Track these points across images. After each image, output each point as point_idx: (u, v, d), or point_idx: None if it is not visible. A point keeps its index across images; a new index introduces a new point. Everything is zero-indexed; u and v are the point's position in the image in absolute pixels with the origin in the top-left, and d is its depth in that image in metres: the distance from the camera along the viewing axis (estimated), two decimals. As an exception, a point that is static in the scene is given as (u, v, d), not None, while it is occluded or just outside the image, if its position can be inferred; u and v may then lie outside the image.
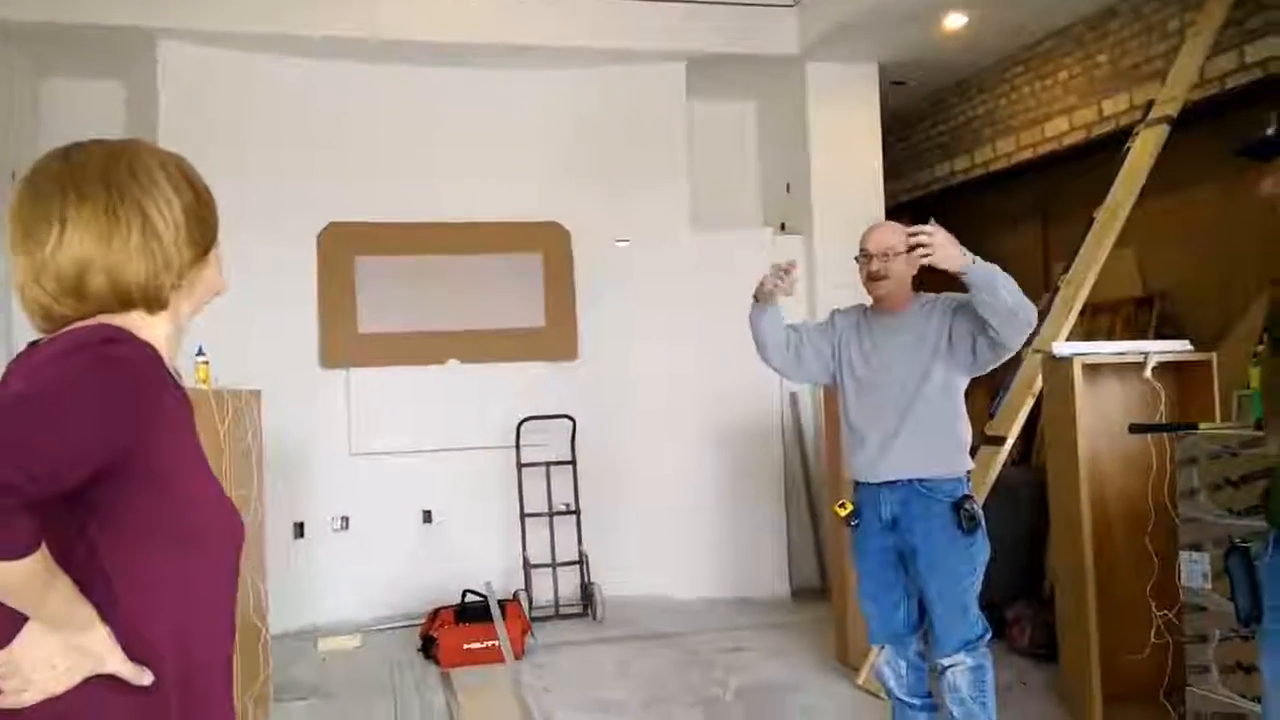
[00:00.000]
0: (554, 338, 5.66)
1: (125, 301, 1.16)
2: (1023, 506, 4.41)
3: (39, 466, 0.97)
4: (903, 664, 2.89)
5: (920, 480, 2.75)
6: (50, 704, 1.07)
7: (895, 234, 2.83)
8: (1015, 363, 4.46)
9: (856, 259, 2.90)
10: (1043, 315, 4.61)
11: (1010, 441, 4.05)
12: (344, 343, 5.39)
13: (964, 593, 2.76)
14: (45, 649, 1.06)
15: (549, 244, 5.69)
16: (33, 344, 1.17)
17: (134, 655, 1.10)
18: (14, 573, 0.99)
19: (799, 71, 5.84)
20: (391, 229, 5.43)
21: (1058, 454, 3.72)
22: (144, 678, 1.10)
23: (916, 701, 2.89)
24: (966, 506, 2.73)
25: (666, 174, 5.79)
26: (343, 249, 5.42)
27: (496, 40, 5.33)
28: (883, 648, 2.96)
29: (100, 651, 1.08)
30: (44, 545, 1.01)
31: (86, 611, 1.07)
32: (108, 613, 1.09)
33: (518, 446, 5.32)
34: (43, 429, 0.98)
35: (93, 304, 1.15)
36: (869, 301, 2.97)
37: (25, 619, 1.07)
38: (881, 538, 2.82)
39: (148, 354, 1.12)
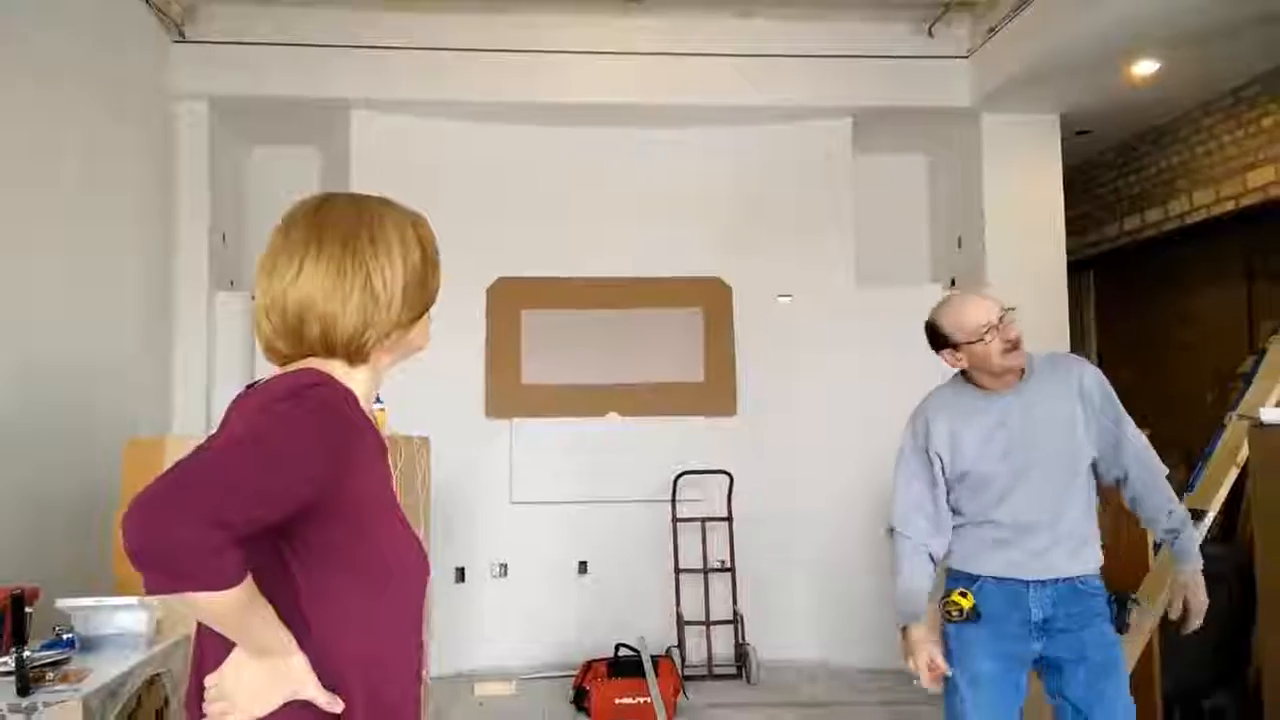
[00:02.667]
0: (713, 393, 5.62)
1: (331, 350, 1.26)
2: (1224, 586, 3.97)
3: (253, 505, 1.05)
4: None
5: (1081, 578, 2.41)
6: None
7: (990, 297, 2.47)
8: (1216, 430, 4.09)
9: (958, 344, 2.42)
10: (1248, 378, 4.21)
11: (1211, 515, 3.69)
12: (508, 393, 5.54)
13: (1132, 704, 2.40)
14: (250, 673, 1.14)
15: (710, 299, 5.70)
16: (250, 385, 1.30)
17: (325, 684, 1.15)
18: (223, 602, 1.06)
19: (973, 123, 5.65)
20: (557, 284, 5.58)
21: (1268, 529, 3.35)
22: (337, 705, 1.16)
23: None
24: (1130, 602, 2.44)
25: (831, 228, 5.70)
26: (510, 302, 5.60)
27: (662, 101, 5.43)
28: None
29: (299, 677, 1.14)
30: (249, 575, 1.08)
31: (287, 638, 1.14)
32: (301, 641, 1.16)
33: (674, 501, 5.28)
34: (258, 470, 1.07)
35: (305, 347, 1.26)
36: (954, 383, 2.56)
37: (232, 645, 1.15)
38: (1018, 642, 2.39)
39: (349, 397, 1.22)
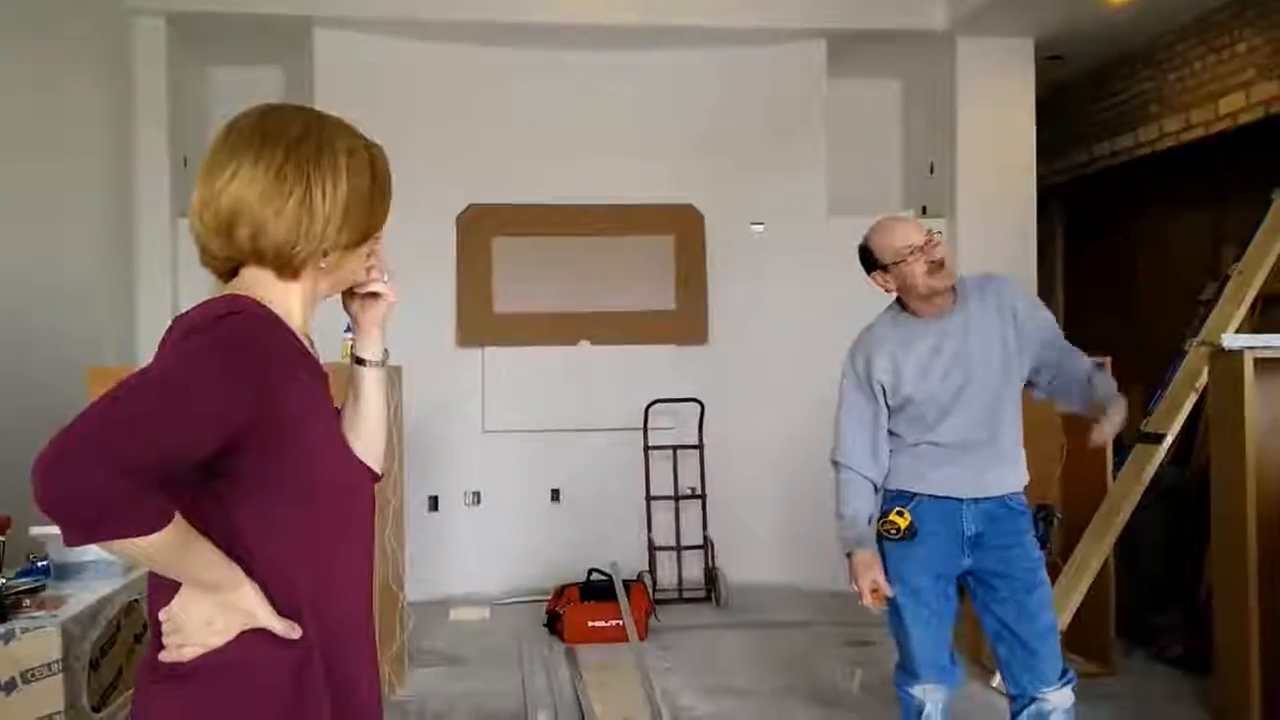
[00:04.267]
0: (684, 321, 5.63)
1: (260, 258, 1.21)
2: (1178, 508, 4.12)
3: (163, 447, 1.04)
4: (941, 705, 2.55)
5: (1010, 496, 2.50)
6: (209, 657, 1.15)
7: (917, 222, 2.60)
8: (1176, 354, 4.17)
9: (886, 266, 2.47)
10: (1210, 305, 4.29)
11: (1169, 439, 3.79)
12: (480, 322, 5.52)
13: (1055, 614, 2.53)
14: (201, 607, 1.14)
15: (682, 227, 5.67)
16: (178, 317, 1.25)
17: (277, 610, 1.17)
18: (150, 546, 1.06)
19: (948, 48, 5.60)
20: (528, 211, 5.52)
21: (1223, 453, 3.45)
22: (294, 631, 1.17)
23: None
24: (1054, 516, 2.56)
25: (804, 156, 5.66)
26: (481, 230, 5.54)
27: (634, 22, 5.32)
28: (917, 686, 2.57)
29: (251, 608, 1.15)
30: (178, 515, 1.08)
31: (232, 571, 1.14)
32: (247, 573, 1.16)
33: (645, 429, 5.33)
34: (163, 412, 1.05)
35: (235, 250, 1.21)
36: (890, 314, 2.60)
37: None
38: (951, 557, 2.49)
39: (264, 321, 1.18)
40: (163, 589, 1.17)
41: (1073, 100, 6.51)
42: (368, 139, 1.30)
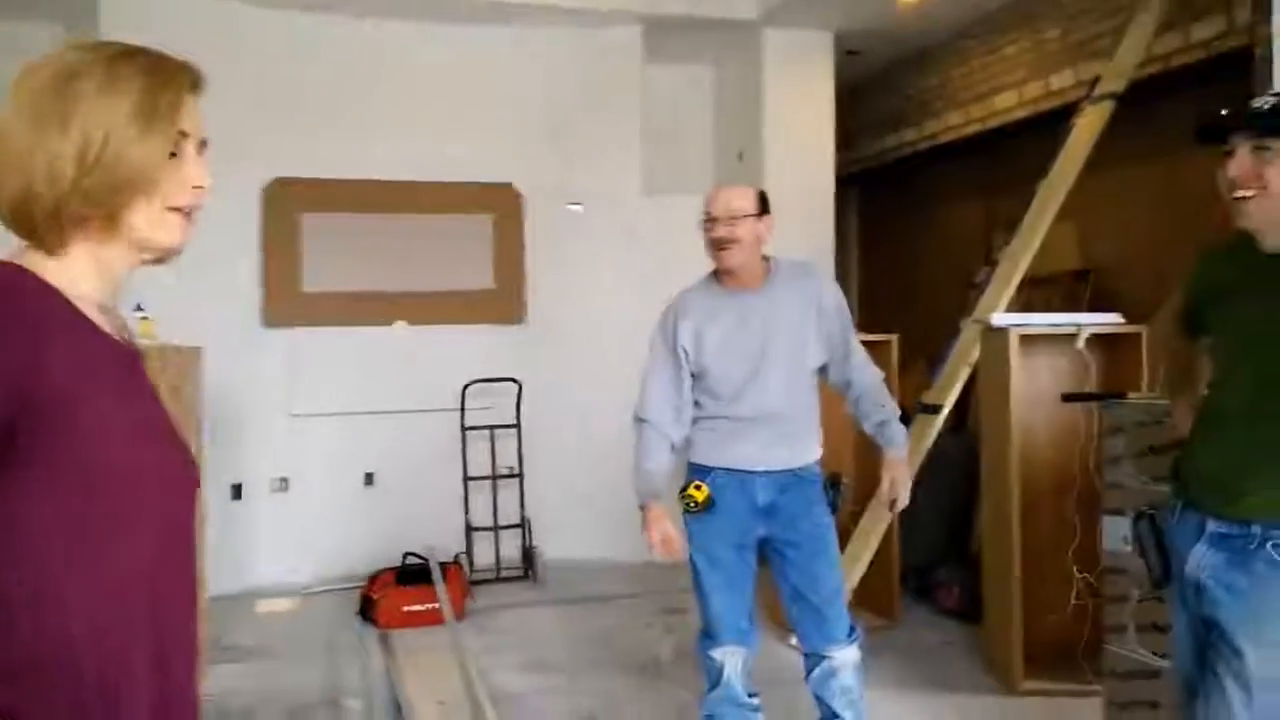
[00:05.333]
0: (502, 300, 5.62)
1: (19, 216, 1.04)
2: (955, 473, 4.50)
3: None
4: (741, 665, 2.68)
5: (801, 468, 2.66)
6: None
7: (745, 198, 2.61)
8: (954, 332, 4.54)
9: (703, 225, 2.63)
10: (983, 286, 4.69)
11: (946, 409, 4.12)
12: (287, 301, 5.31)
13: (841, 577, 2.73)
14: None
15: (500, 206, 5.64)
16: None
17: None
18: None
19: (755, 38, 5.81)
20: (339, 186, 5.34)
21: (991, 421, 3.79)
22: None
23: (756, 702, 2.72)
24: (841, 484, 2.74)
25: (621, 137, 5.75)
26: (288, 205, 5.32)
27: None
28: (717, 649, 2.68)
29: None
30: None
31: None
32: None
33: (463, 410, 5.30)
34: None
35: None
36: (704, 282, 2.73)
37: None
38: (746, 526, 2.63)
39: (13, 287, 1.00)
40: None
41: (868, 94, 6.92)
42: (167, 57, 1.12)
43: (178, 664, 1.10)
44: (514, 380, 5.35)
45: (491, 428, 5.37)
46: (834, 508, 2.72)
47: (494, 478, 5.35)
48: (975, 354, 4.08)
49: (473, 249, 5.61)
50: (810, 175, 5.85)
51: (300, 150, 5.22)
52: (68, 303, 1.04)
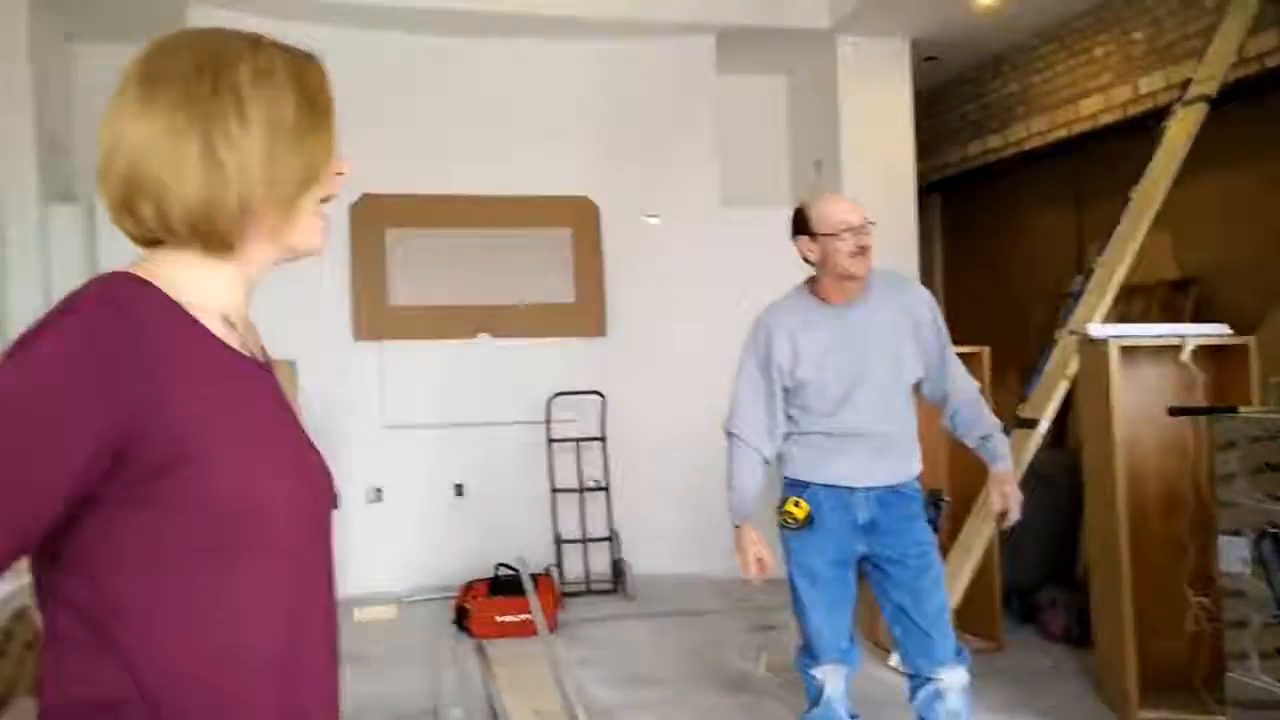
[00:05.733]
0: (583, 314, 5.68)
1: (174, 234, 0.96)
2: (1055, 490, 4.41)
3: (15, 510, 0.82)
4: (842, 684, 2.63)
5: (902, 484, 2.61)
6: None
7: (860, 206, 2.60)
8: (1047, 343, 4.47)
9: (816, 235, 2.53)
10: (1077, 296, 4.61)
11: (1044, 424, 4.06)
12: (376, 316, 5.43)
13: (946, 597, 2.67)
14: None
15: (579, 219, 5.70)
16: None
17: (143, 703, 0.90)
18: None
19: (829, 46, 5.79)
20: (423, 202, 5.45)
21: (1093, 437, 3.72)
22: None
23: None
24: (943, 501, 2.72)
25: (697, 149, 5.77)
26: (375, 222, 5.44)
27: (528, 10, 5.30)
28: (818, 668, 2.64)
29: None
30: None
31: None
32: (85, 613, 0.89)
33: (548, 422, 5.36)
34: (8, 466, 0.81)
35: (143, 226, 0.96)
36: (795, 295, 2.66)
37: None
38: (847, 544, 2.58)
39: (133, 307, 0.90)
40: (55, 594, 0.91)
41: (948, 100, 6.85)
42: (295, 51, 1.03)
43: (315, 713, 1.01)
44: (598, 393, 5.40)
45: (578, 440, 5.43)
46: (935, 525, 2.70)
47: (581, 490, 5.40)
48: (1073, 366, 4.01)
49: (553, 262, 5.68)
50: (891, 184, 5.80)
51: (386, 167, 5.31)
52: (194, 321, 0.96)
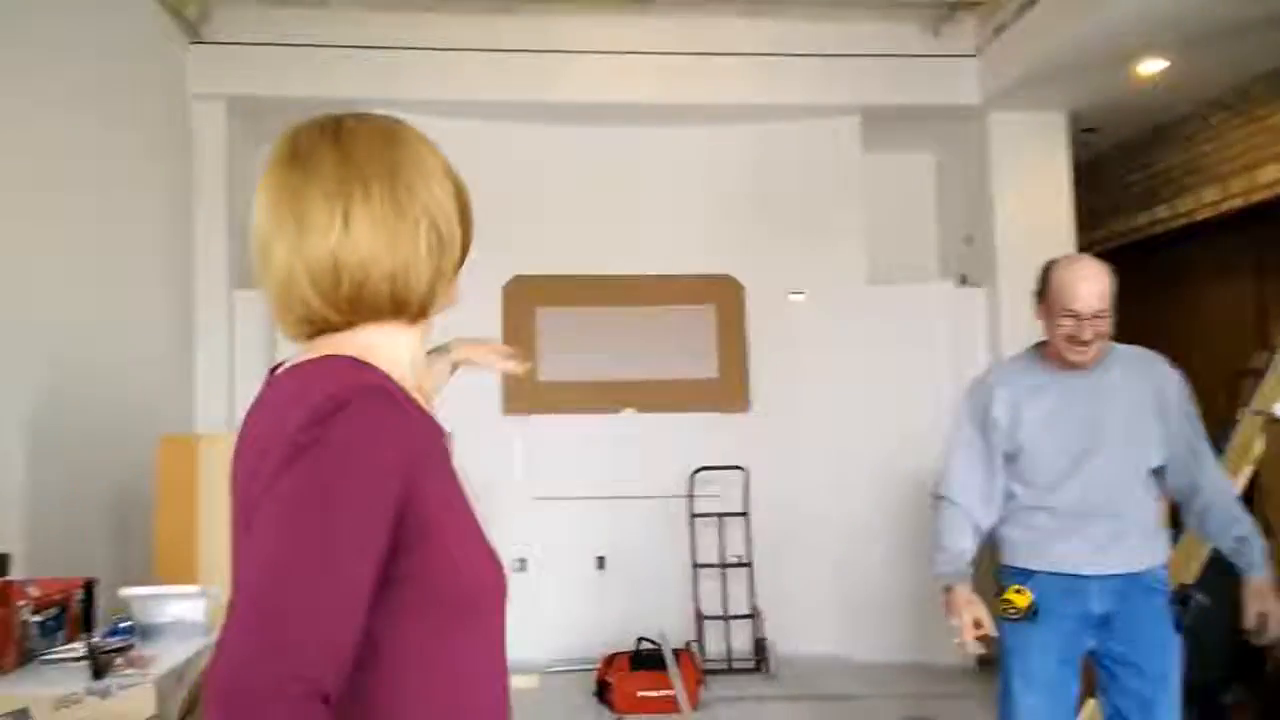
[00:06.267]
0: (727, 389, 5.68)
1: (399, 312, 1.02)
2: (1240, 580, 4.04)
3: (343, 618, 0.85)
4: None
5: (1143, 573, 2.33)
6: None
7: (1105, 282, 2.33)
8: (1224, 423, 4.15)
9: (1047, 301, 2.35)
10: (1259, 373, 4.27)
11: (1227, 507, 3.74)
12: (525, 390, 5.60)
13: (1180, 715, 2.39)
14: None
15: (722, 296, 5.76)
16: (275, 369, 1.04)
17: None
18: None
19: (980, 122, 5.72)
20: (572, 281, 5.64)
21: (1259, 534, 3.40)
22: None
23: None
24: (1193, 600, 2.36)
25: (841, 226, 5.76)
26: (526, 300, 5.66)
27: (673, 100, 5.48)
28: None
29: None
30: None
31: None
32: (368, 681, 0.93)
33: (690, 496, 5.34)
34: (334, 575, 0.84)
35: (364, 313, 1.00)
36: (1024, 356, 2.48)
37: None
38: (1075, 639, 2.32)
39: (383, 391, 0.94)
40: None
41: (1110, 171, 6.60)
42: (425, 136, 1.10)
43: None
44: (741, 468, 5.35)
45: (720, 515, 5.38)
46: (1180, 627, 2.37)
47: (723, 566, 5.32)
48: (1258, 448, 3.70)
49: (696, 338, 5.73)
50: (1048, 257, 5.57)
51: (538, 250, 5.57)
52: (412, 400, 1.00)
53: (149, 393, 4.54)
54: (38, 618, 2.05)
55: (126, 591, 2.32)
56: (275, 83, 5.22)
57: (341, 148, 1.01)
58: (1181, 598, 2.39)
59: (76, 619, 2.25)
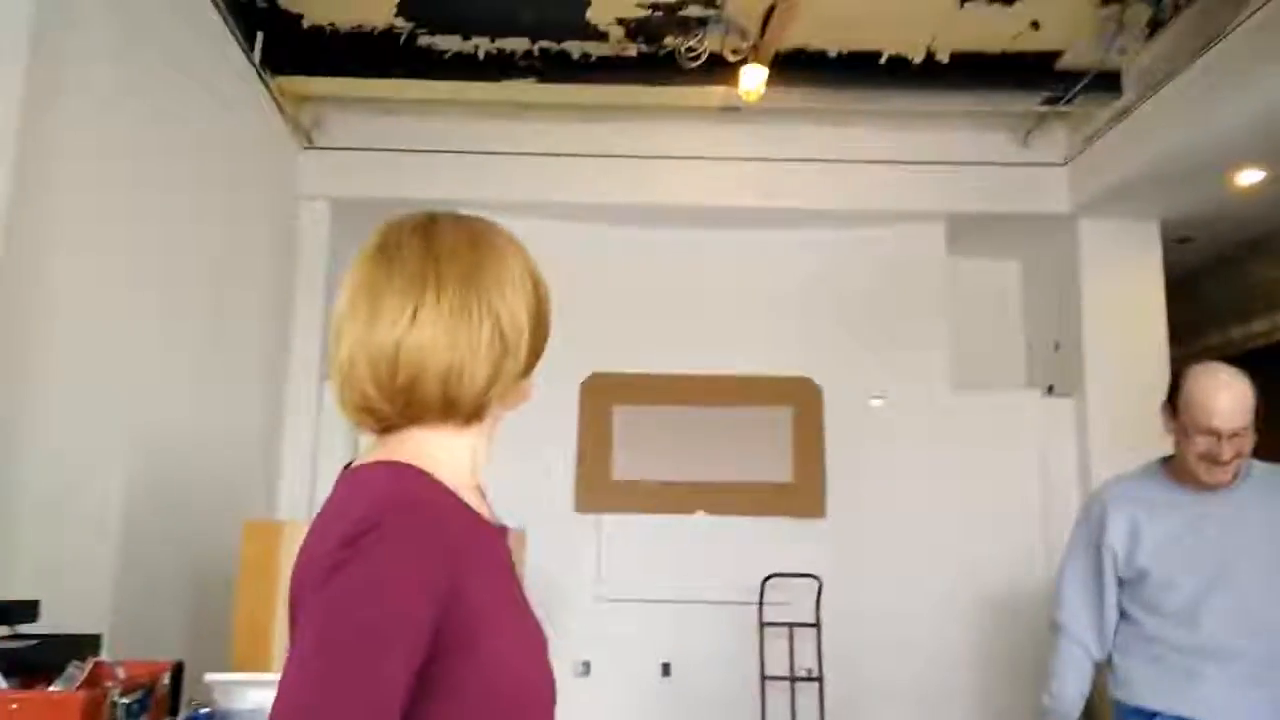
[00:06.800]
0: (802, 494, 5.59)
1: (450, 411, 1.03)
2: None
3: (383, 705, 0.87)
4: None
5: None
6: None
7: (1249, 394, 2.15)
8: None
9: (1178, 414, 2.18)
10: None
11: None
12: (598, 488, 5.60)
13: None
14: None
15: (800, 399, 5.71)
16: (347, 466, 1.08)
17: None
18: None
19: (1069, 230, 5.64)
20: (649, 380, 5.68)
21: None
22: None
23: None
24: None
25: (925, 331, 5.70)
26: (603, 397, 5.71)
27: (758, 204, 5.58)
28: None
29: None
30: None
31: None
32: None
33: (761, 604, 5.22)
34: (371, 671, 0.87)
35: (416, 410, 1.03)
36: (1145, 471, 2.30)
37: None
38: None
39: (431, 502, 0.99)
40: None
41: (1205, 282, 6.40)
42: (511, 235, 1.15)
43: None
44: (814, 576, 5.22)
45: (790, 625, 5.23)
46: None
47: (792, 679, 5.15)
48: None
49: (772, 441, 5.68)
50: (1140, 367, 5.42)
51: (616, 347, 5.64)
52: (463, 504, 1.03)
53: (237, 476, 4.70)
54: (125, 700, 2.12)
55: (211, 677, 2.38)
56: (377, 185, 5.51)
57: (428, 245, 1.05)
58: None
59: (162, 702, 2.32)
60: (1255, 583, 2.11)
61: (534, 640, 1.08)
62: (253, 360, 4.97)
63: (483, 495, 1.11)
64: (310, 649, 0.88)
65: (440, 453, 1.04)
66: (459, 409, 1.03)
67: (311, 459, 5.40)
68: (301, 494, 5.30)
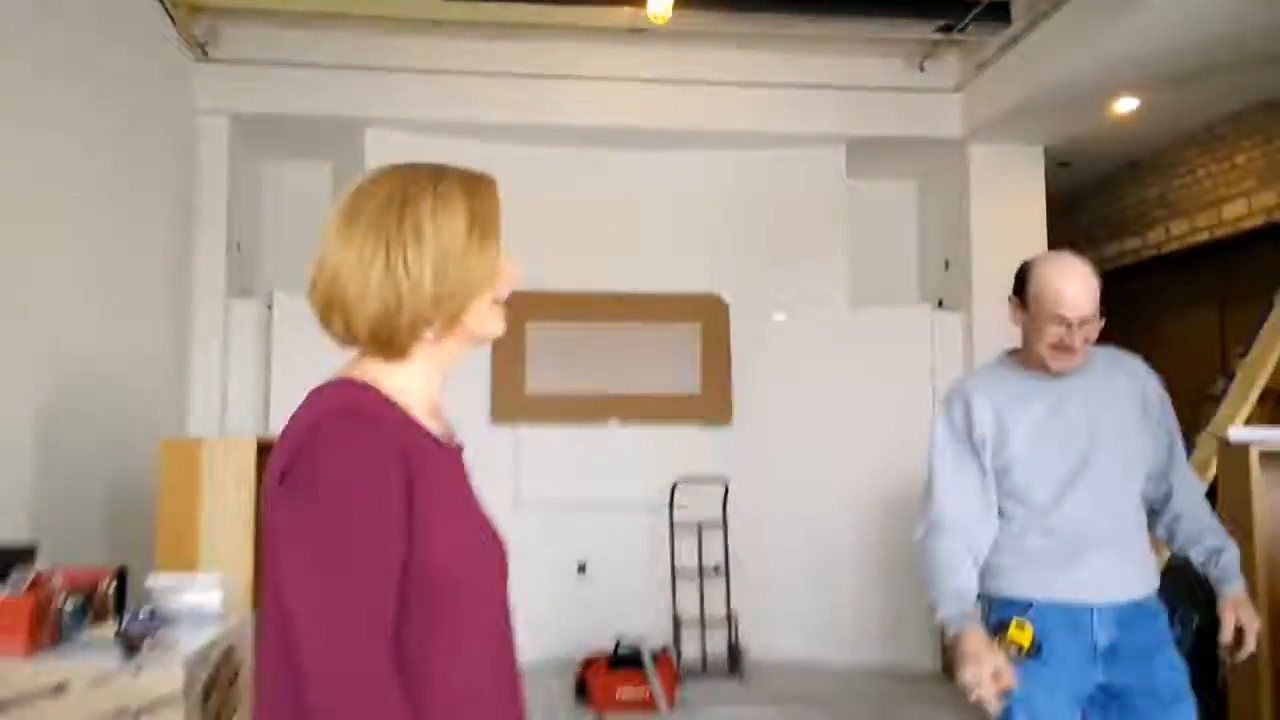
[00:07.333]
0: (709, 403, 5.85)
1: (355, 342, 1.15)
2: (1191, 599, 4.22)
3: (383, 600, 1.03)
4: None
5: (1145, 598, 2.11)
6: None
7: (1095, 282, 2.13)
8: (1188, 447, 4.34)
9: (1027, 304, 2.13)
10: (1218, 399, 4.49)
11: (1181, 527, 3.91)
12: (513, 401, 5.75)
13: None
14: None
15: (708, 315, 5.93)
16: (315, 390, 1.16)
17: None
18: None
19: (961, 153, 5.92)
20: (560, 298, 5.79)
21: (1233, 538, 3.58)
22: None
23: None
24: (1193, 624, 2.24)
25: (825, 250, 5.96)
26: (515, 315, 5.71)
27: (663, 126, 5.66)
28: None
29: None
30: None
31: None
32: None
33: (671, 506, 5.51)
34: (357, 602, 1.02)
35: (338, 337, 1.16)
36: (999, 363, 2.26)
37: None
38: (1084, 676, 2.07)
39: (369, 416, 1.09)
40: (272, 642, 1.10)
41: (1082, 203, 6.84)
42: (471, 177, 1.20)
43: None
44: (721, 479, 5.52)
45: (699, 524, 5.54)
46: (1181, 647, 2.19)
47: (700, 573, 5.48)
48: (1212, 471, 3.90)
49: (681, 355, 5.90)
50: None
51: (528, 266, 5.67)
52: (411, 420, 1.14)
53: (145, 396, 4.66)
54: (69, 603, 2.22)
55: (153, 580, 2.47)
56: (277, 100, 5.37)
57: (354, 198, 1.15)
58: (1182, 619, 2.29)
59: (104, 605, 2.41)
60: (1114, 464, 2.12)
61: (488, 545, 1.21)
62: (157, 279, 4.88)
63: (440, 416, 1.21)
64: (283, 554, 1.04)
65: (389, 380, 1.14)
66: (361, 341, 1.14)
67: (221, 376, 5.37)
68: (213, 412, 5.29)
